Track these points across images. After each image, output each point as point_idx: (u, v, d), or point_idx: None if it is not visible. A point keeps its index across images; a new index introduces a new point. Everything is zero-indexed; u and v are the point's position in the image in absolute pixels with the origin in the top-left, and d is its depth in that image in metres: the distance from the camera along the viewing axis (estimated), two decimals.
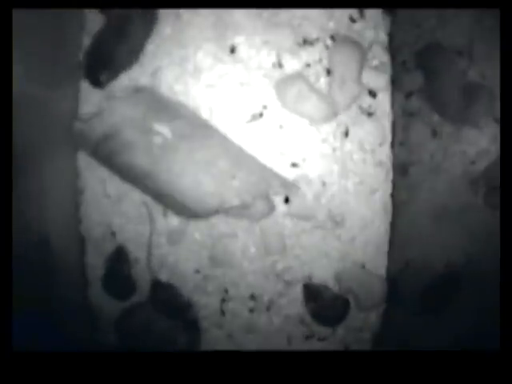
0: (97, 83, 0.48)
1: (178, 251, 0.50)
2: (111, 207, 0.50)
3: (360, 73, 0.49)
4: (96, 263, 0.50)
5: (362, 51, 0.49)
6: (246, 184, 0.47)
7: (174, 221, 0.49)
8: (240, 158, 0.48)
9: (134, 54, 0.48)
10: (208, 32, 0.49)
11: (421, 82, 0.46)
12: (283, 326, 0.51)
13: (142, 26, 0.48)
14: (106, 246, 0.50)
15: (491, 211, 0.38)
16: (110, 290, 0.50)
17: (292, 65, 0.49)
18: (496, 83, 0.36)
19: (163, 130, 0.45)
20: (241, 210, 0.48)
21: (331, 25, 0.49)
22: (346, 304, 0.50)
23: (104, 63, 0.48)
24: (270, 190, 0.48)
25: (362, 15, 0.50)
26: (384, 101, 0.50)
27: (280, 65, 0.49)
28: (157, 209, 0.49)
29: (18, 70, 0.36)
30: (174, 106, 0.47)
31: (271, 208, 0.49)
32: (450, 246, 0.43)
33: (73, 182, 0.50)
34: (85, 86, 0.49)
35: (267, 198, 0.48)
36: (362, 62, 0.49)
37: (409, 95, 0.48)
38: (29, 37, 0.39)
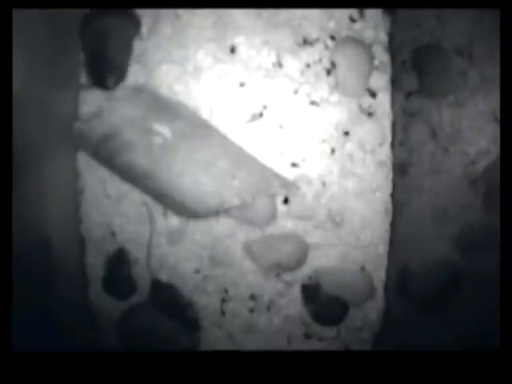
0: (106, 87, 0.48)
1: (178, 251, 0.50)
2: (111, 207, 0.50)
3: (360, 73, 0.49)
4: (96, 263, 0.50)
5: (362, 51, 0.49)
6: (246, 184, 0.47)
7: (174, 221, 0.49)
8: (240, 158, 0.48)
9: (124, 53, 0.48)
10: (208, 32, 0.49)
11: (421, 82, 0.46)
12: (283, 325, 0.51)
13: (122, 24, 0.48)
14: (106, 246, 0.50)
15: (491, 211, 0.38)
16: (110, 290, 0.50)
17: (292, 65, 0.49)
18: (496, 83, 0.36)
19: (163, 130, 0.45)
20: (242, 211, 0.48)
21: (331, 25, 0.49)
22: (345, 303, 0.50)
23: (105, 66, 0.48)
24: (269, 189, 0.48)
25: (362, 15, 0.50)
26: (384, 101, 0.50)
27: (280, 65, 0.49)
28: (157, 209, 0.49)
29: (17, 70, 0.36)
30: (174, 106, 0.47)
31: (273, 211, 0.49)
32: (450, 246, 0.43)
33: (73, 182, 0.50)
34: (85, 86, 0.49)
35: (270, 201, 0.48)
36: (363, 62, 0.49)
37: (409, 95, 0.48)
38: (29, 37, 0.39)
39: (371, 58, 0.49)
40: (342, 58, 0.48)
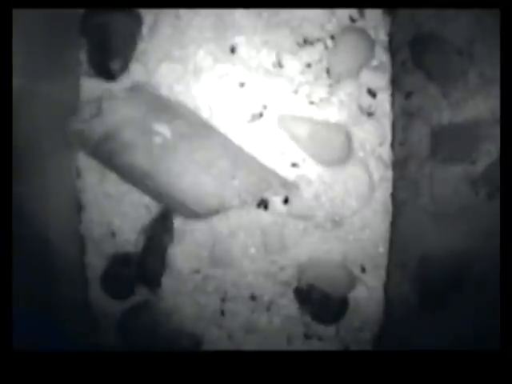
0: (109, 75, 0.48)
1: (178, 251, 0.50)
2: (111, 207, 0.50)
3: (360, 73, 0.49)
4: (96, 263, 0.50)
5: (362, 51, 0.49)
6: (246, 184, 0.47)
7: (174, 221, 0.49)
8: (240, 157, 0.48)
9: (127, 44, 0.48)
10: (208, 32, 0.49)
11: (421, 82, 0.46)
12: (283, 325, 0.51)
13: (125, 18, 0.48)
14: (106, 246, 0.50)
15: (491, 211, 0.38)
16: (110, 289, 0.50)
17: (292, 65, 0.49)
18: (496, 83, 0.36)
19: (163, 130, 0.45)
20: None
21: (331, 25, 0.50)
22: (343, 302, 0.50)
23: (108, 55, 0.48)
24: (269, 189, 0.48)
25: (361, 15, 0.50)
26: (384, 101, 0.50)
27: (280, 65, 0.49)
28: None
29: (18, 70, 0.36)
30: (174, 106, 0.47)
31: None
32: (450, 246, 0.43)
33: (73, 182, 0.50)
34: (85, 85, 0.49)
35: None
36: (362, 62, 0.49)
37: (409, 95, 0.48)
38: (29, 35, 0.39)
39: (371, 46, 0.49)
40: (339, 61, 0.49)
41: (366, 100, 0.50)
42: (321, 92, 0.49)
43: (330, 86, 0.49)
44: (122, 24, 0.47)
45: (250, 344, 0.51)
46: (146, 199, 0.49)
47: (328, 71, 0.49)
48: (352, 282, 0.50)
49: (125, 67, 0.48)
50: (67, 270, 0.48)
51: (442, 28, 0.43)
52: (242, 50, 0.49)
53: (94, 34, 0.48)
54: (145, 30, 0.49)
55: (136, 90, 0.47)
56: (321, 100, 0.49)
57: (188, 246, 0.50)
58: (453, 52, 0.42)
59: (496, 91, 0.37)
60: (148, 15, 0.49)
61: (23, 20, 0.36)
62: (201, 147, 0.46)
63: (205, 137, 0.47)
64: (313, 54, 0.49)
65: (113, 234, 0.50)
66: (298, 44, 0.49)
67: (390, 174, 0.50)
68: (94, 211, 0.50)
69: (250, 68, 0.49)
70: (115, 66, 0.47)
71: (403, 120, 0.49)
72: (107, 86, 0.48)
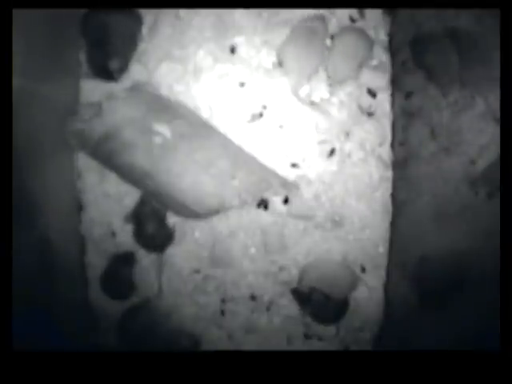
0: (109, 75, 0.48)
1: (178, 251, 0.50)
2: (111, 207, 0.50)
3: (360, 73, 0.49)
4: (96, 263, 0.50)
5: (361, 51, 0.49)
6: (246, 184, 0.47)
7: (174, 221, 0.49)
8: (240, 157, 0.48)
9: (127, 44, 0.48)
10: (208, 32, 0.49)
11: (421, 82, 0.46)
12: (283, 325, 0.51)
13: (125, 17, 0.48)
14: (106, 246, 0.50)
15: (491, 211, 0.38)
16: (110, 289, 0.50)
17: None
18: (496, 83, 0.36)
19: (163, 129, 0.45)
20: None
21: (331, 25, 0.49)
22: (344, 302, 0.50)
23: (107, 54, 0.48)
24: (269, 189, 0.48)
25: (362, 15, 0.50)
26: (384, 101, 0.50)
27: (280, 65, 0.49)
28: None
29: (18, 70, 0.36)
30: (174, 106, 0.47)
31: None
32: (450, 246, 0.43)
33: (73, 182, 0.50)
34: (85, 85, 0.49)
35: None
36: (362, 62, 0.49)
37: (409, 95, 0.48)
38: (29, 35, 0.39)
39: (370, 46, 0.49)
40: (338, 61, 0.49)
41: (366, 100, 0.50)
42: (321, 92, 0.49)
43: (330, 86, 0.49)
44: (121, 24, 0.48)
45: (249, 344, 0.51)
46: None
47: (328, 71, 0.49)
48: (354, 282, 0.50)
49: (125, 67, 0.48)
50: (67, 269, 0.48)
51: (441, 28, 0.43)
52: (242, 50, 0.49)
53: (94, 34, 0.48)
54: (145, 30, 0.49)
55: (136, 89, 0.47)
56: (321, 100, 0.49)
57: (188, 246, 0.50)
58: (453, 52, 0.42)
59: (496, 91, 0.37)
60: (148, 15, 0.49)
61: (23, 20, 0.36)
62: (201, 147, 0.46)
63: (205, 137, 0.47)
64: None
65: (113, 234, 0.50)
66: None
67: (390, 173, 0.50)
68: (93, 211, 0.50)
69: (250, 68, 0.49)
70: (115, 66, 0.47)
71: (403, 120, 0.49)
72: (107, 86, 0.48)
